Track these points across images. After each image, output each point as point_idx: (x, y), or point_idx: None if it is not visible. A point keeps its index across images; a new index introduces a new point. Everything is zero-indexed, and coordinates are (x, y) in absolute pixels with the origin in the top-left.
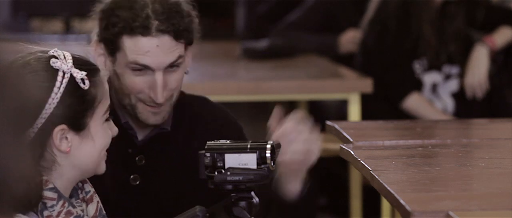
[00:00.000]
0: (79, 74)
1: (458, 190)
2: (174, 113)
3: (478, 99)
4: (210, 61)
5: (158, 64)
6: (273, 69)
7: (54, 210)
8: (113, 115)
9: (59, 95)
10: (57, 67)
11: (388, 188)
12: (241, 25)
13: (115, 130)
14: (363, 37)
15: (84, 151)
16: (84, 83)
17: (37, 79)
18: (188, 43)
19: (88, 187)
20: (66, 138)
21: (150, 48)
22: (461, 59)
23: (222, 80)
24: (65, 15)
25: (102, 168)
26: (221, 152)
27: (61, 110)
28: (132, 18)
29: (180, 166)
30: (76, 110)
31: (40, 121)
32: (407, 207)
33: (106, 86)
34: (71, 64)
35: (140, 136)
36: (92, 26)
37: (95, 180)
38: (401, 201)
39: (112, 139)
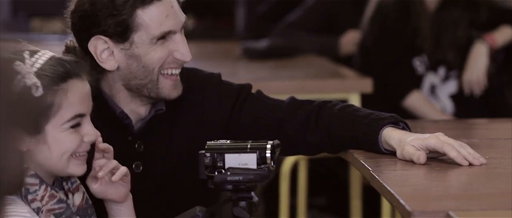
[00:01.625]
0: (30, 81)
1: (458, 190)
2: None
3: (476, 96)
4: (210, 61)
5: (179, 24)
6: (273, 69)
7: (37, 195)
8: (106, 106)
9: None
10: (18, 70)
11: (388, 188)
12: (241, 25)
13: (91, 137)
14: (362, 36)
15: (42, 154)
16: (36, 90)
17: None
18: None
19: (74, 178)
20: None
21: (168, 11)
22: (461, 61)
23: None
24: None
25: (75, 170)
26: (221, 152)
27: (14, 111)
28: None
29: (181, 146)
30: (28, 114)
31: None
32: (407, 207)
33: (77, 95)
34: (33, 70)
35: (137, 124)
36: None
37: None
38: (401, 201)
39: (109, 129)
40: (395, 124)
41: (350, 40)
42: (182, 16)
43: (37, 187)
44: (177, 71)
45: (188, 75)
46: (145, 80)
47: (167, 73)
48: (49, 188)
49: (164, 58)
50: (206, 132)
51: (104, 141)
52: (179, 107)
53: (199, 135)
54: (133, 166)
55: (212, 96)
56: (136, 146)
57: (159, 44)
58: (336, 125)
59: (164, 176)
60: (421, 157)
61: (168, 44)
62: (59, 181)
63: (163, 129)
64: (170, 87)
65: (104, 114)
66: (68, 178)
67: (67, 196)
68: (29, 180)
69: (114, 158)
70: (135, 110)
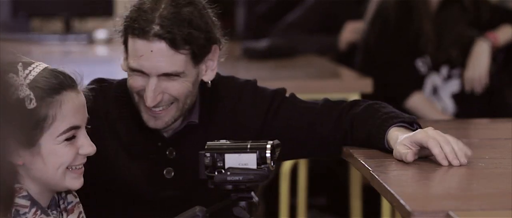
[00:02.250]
0: (24, 93)
1: (458, 190)
2: (200, 105)
3: (477, 94)
4: None
5: (151, 70)
6: (273, 69)
7: None
8: (137, 112)
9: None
10: (11, 83)
11: (388, 188)
12: (241, 25)
13: (86, 150)
14: (364, 36)
15: (37, 167)
16: (30, 102)
17: None
18: (195, 55)
19: (71, 198)
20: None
21: (145, 53)
22: (463, 59)
23: None
24: (65, 15)
25: (72, 183)
26: (221, 152)
27: (8, 124)
28: (136, 19)
29: None
30: (22, 127)
31: None
32: (407, 207)
33: (71, 107)
34: (27, 82)
35: (167, 133)
36: (94, 26)
37: (128, 176)
38: (401, 201)
39: (140, 134)
40: (410, 125)
41: (350, 29)
42: (162, 67)
43: (26, 209)
44: (157, 108)
45: (223, 83)
46: (133, 99)
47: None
48: (39, 212)
49: (136, 90)
50: (241, 137)
51: (134, 146)
52: (213, 115)
53: (234, 139)
54: (164, 172)
55: (246, 103)
56: (167, 153)
57: (134, 74)
58: (359, 119)
59: (195, 183)
60: (408, 155)
61: (142, 79)
62: (55, 200)
63: (196, 136)
64: (148, 116)
65: (135, 119)
66: (65, 196)
67: (62, 215)
68: (20, 201)
69: (145, 163)
70: None
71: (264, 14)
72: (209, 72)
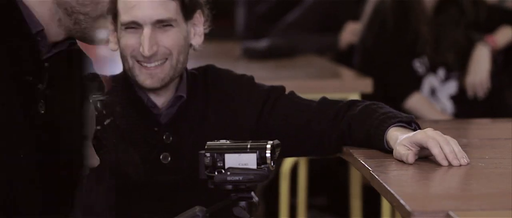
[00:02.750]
0: None
1: (458, 190)
2: (187, 81)
3: (479, 99)
4: (210, 61)
5: (144, 18)
6: (273, 69)
7: None
8: (134, 97)
9: None
10: None
11: (388, 188)
12: (241, 25)
13: None
14: (361, 36)
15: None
16: None
17: None
18: (185, 6)
19: None
20: None
21: (136, 2)
22: (461, 63)
23: None
24: None
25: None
26: (221, 152)
27: None
28: None
29: (206, 138)
30: None
31: None
32: (407, 207)
33: None
34: None
35: (164, 113)
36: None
37: (125, 162)
38: (401, 201)
39: (137, 120)
40: (408, 124)
41: (350, 31)
42: (154, 13)
43: None
44: (152, 63)
45: (221, 76)
46: (126, 67)
47: (140, 64)
48: None
49: (131, 48)
50: (236, 129)
51: (131, 131)
52: (211, 104)
53: (229, 131)
54: (161, 157)
55: (243, 96)
56: (164, 137)
57: (127, 33)
58: (357, 119)
59: (192, 169)
60: (410, 156)
61: (135, 36)
62: None
63: (192, 123)
64: (144, 75)
65: (131, 106)
66: None
67: None
68: None
69: (141, 149)
70: (157, 96)
71: (264, 14)
72: (196, 37)
